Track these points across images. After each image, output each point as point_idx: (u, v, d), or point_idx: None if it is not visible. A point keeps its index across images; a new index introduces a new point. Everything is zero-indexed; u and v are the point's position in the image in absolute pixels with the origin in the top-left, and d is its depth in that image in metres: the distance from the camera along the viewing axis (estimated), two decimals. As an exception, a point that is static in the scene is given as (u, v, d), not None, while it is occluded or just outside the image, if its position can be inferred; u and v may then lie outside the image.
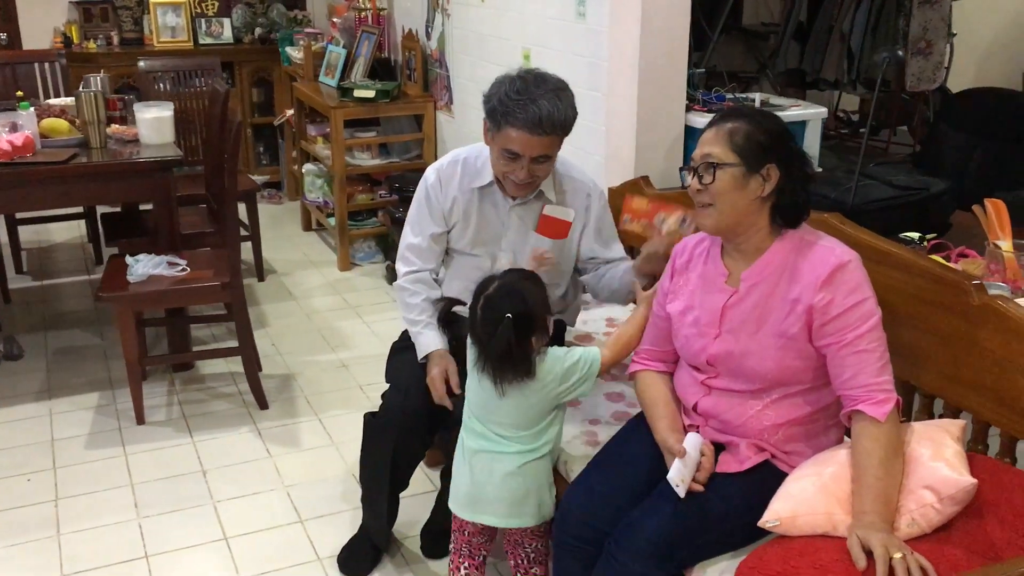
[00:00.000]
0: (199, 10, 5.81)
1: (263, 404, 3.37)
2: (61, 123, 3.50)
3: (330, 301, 4.37)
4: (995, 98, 4.34)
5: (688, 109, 3.29)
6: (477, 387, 2.03)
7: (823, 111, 3.65)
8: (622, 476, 1.92)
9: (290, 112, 5.43)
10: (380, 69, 4.94)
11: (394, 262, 2.57)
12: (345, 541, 2.57)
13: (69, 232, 5.27)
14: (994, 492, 1.68)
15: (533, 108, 2.12)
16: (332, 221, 4.81)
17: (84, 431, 3.22)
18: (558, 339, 2.44)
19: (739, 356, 1.83)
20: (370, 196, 4.78)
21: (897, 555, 1.52)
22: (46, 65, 4.60)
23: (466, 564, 2.16)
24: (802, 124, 3.52)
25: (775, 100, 3.78)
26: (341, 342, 3.93)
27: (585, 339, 2.66)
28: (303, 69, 5.24)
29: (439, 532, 2.49)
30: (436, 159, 2.82)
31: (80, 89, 3.56)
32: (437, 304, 2.32)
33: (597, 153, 3.31)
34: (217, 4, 5.85)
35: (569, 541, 1.90)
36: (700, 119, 3.20)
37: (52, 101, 4.06)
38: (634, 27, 3.04)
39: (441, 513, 2.48)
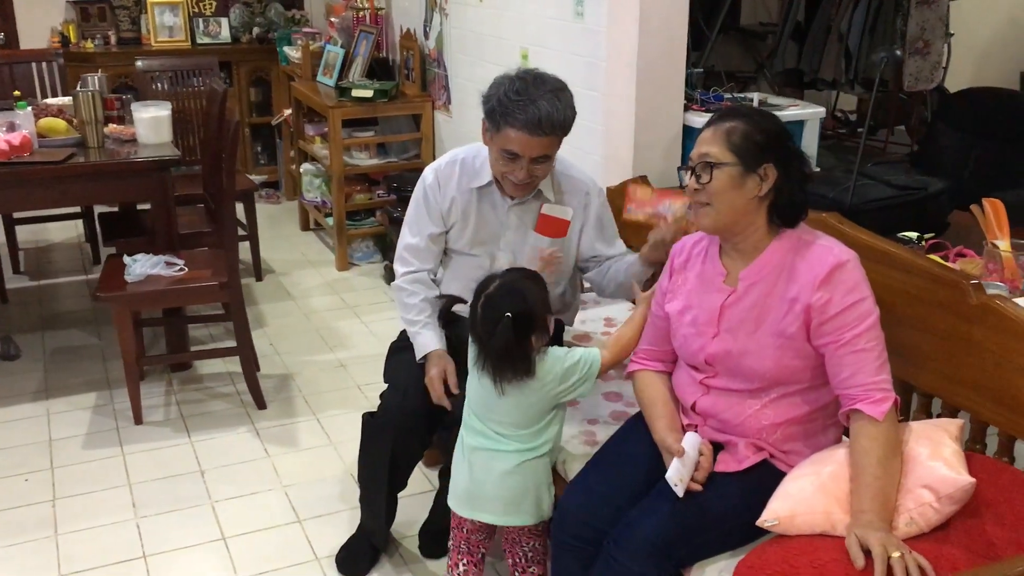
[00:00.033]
0: (197, 10, 5.81)
1: (261, 404, 3.37)
2: (59, 123, 3.50)
3: (328, 301, 4.37)
4: (993, 98, 4.34)
5: (686, 109, 3.29)
6: (477, 385, 2.03)
7: (821, 111, 3.66)
8: (621, 476, 1.92)
9: (288, 112, 5.42)
10: (378, 69, 4.93)
11: (392, 262, 2.57)
12: (343, 541, 2.56)
13: (66, 232, 5.27)
14: (992, 491, 1.69)
15: (533, 109, 2.12)
16: (330, 221, 4.81)
17: (82, 431, 3.21)
18: (556, 339, 2.44)
19: (737, 355, 1.83)
20: (368, 196, 4.78)
21: (895, 554, 1.52)
22: (43, 65, 4.60)
23: (464, 561, 2.16)
24: (800, 124, 3.52)
25: (773, 100, 3.79)
26: (339, 342, 3.92)
27: (583, 339, 2.66)
28: (301, 69, 5.24)
29: (437, 532, 2.49)
30: (434, 159, 2.83)
31: (78, 89, 3.55)
32: (438, 301, 2.32)
33: (595, 153, 3.31)
34: (215, 4, 5.84)
35: (568, 541, 1.90)
36: (698, 119, 3.20)
37: (50, 100, 4.05)
38: (632, 27, 3.04)
39: (439, 513, 2.48)
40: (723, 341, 1.85)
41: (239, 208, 4.12)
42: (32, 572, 2.52)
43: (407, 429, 2.30)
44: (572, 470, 2.08)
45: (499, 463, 2.02)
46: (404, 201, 3.80)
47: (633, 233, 2.47)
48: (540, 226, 2.37)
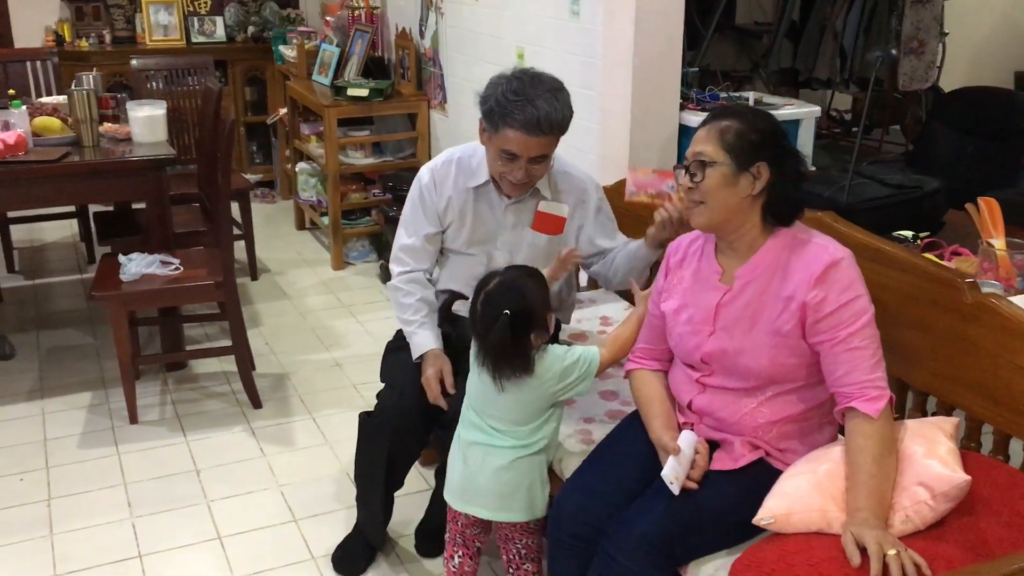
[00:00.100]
0: (191, 8, 5.80)
1: (257, 403, 3.36)
2: (53, 121, 3.49)
3: (324, 300, 4.37)
4: (988, 97, 4.36)
5: (682, 108, 3.29)
6: (477, 380, 2.04)
7: (816, 110, 3.66)
8: (617, 474, 1.92)
9: (283, 111, 5.41)
10: (373, 68, 4.93)
11: (388, 261, 2.57)
12: (339, 540, 2.56)
13: (61, 231, 5.26)
14: (987, 489, 1.69)
15: (531, 109, 2.12)
16: (325, 220, 4.80)
17: (77, 431, 3.21)
18: (553, 337, 2.44)
19: (733, 354, 1.83)
20: (364, 195, 4.78)
21: (891, 552, 1.53)
22: (38, 63, 4.59)
23: (460, 553, 2.17)
24: (795, 123, 3.53)
25: (768, 99, 3.80)
26: (335, 341, 3.92)
27: (579, 337, 2.66)
28: (296, 68, 5.23)
29: (434, 531, 2.48)
30: (430, 158, 2.83)
31: (72, 87, 3.55)
32: (440, 297, 2.33)
33: (592, 152, 3.31)
34: (210, 2, 5.83)
35: (564, 539, 1.90)
36: (694, 117, 3.21)
37: (44, 99, 4.04)
38: (628, 26, 3.05)
39: (436, 512, 2.48)
40: (719, 339, 1.85)
41: (234, 207, 4.12)
42: (28, 572, 2.51)
43: (404, 429, 2.30)
44: (568, 469, 2.08)
45: (494, 458, 2.02)
46: (400, 200, 3.80)
47: (640, 209, 2.39)
48: (536, 223, 2.37)
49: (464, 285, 2.31)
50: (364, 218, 4.82)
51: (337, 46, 5.01)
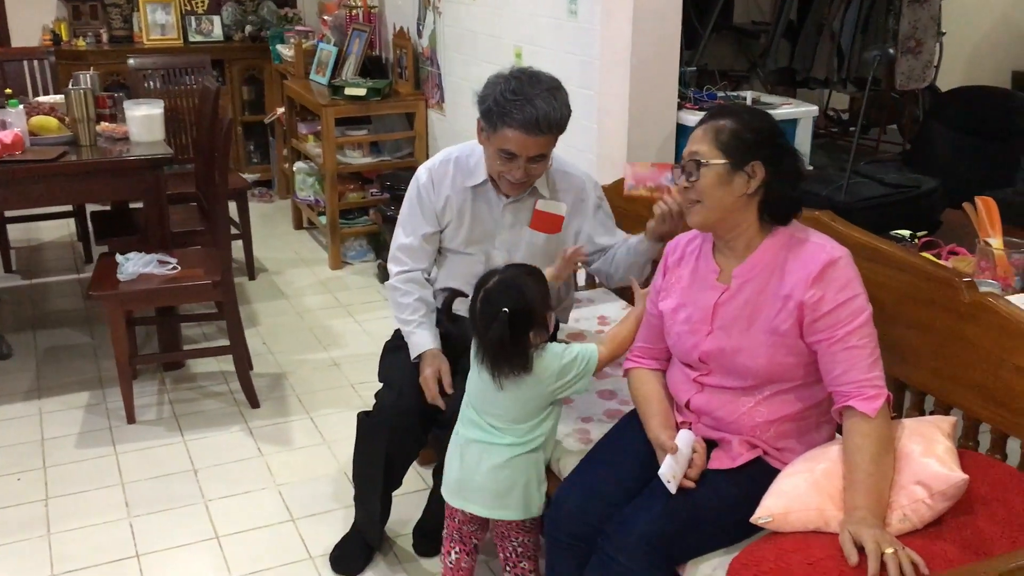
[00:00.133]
0: (189, 7, 5.79)
1: (254, 403, 3.36)
2: (50, 121, 3.48)
3: (321, 300, 4.37)
4: (985, 96, 4.36)
5: (680, 107, 3.30)
6: (477, 378, 2.04)
7: (814, 109, 3.67)
8: (615, 473, 1.92)
9: (281, 110, 5.41)
10: (371, 67, 4.93)
11: (386, 261, 2.57)
12: (337, 540, 2.56)
13: (58, 230, 5.25)
14: (985, 488, 1.69)
15: (530, 108, 2.12)
16: (323, 219, 4.80)
17: (74, 430, 3.20)
18: (551, 336, 2.44)
19: (731, 353, 1.83)
20: (361, 194, 4.77)
21: (889, 550, 1.53)
22: (35, 63, 4.59)
23: (457, 549, 2.17)
24: (793, 122, 3.53)
25: (766, 98, 3.80)
26: (332, 341, 3.92)
27: (577, 337, 2.66)
28: (294, 67, 5.23)
29: (431, 530, 2.48)
30: (427, 157, 2.82)
31: (70, 87, 3.54)
32: (439, 295, 2.33)
33: (589, 151, 3.31)
34: (207, 1, 5.83)
35: (562, 538, 1.90)
36: (692, 117, 3.21)
37: (41, 99, 4.04)
38: (626, 25, 3.05)
39: (434, 511, 2.48)
40: (717, 339, 1.85)
41: (232, 207, 4.12)
42: (25, 571, 2.51)
43: (402, 428, 2.30)
44: (566, 468, 2.08)
45: (491, 456, 2.02)
46: (397, 200, 3.80)
47: (639, 202, 2.38)
48: (534, 222, 2.37)
49: (462, 284, 2.32)
50: (362, 218, 4.82)
51: (335, 45, 5.01)
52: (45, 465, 3.00)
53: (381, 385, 2.42)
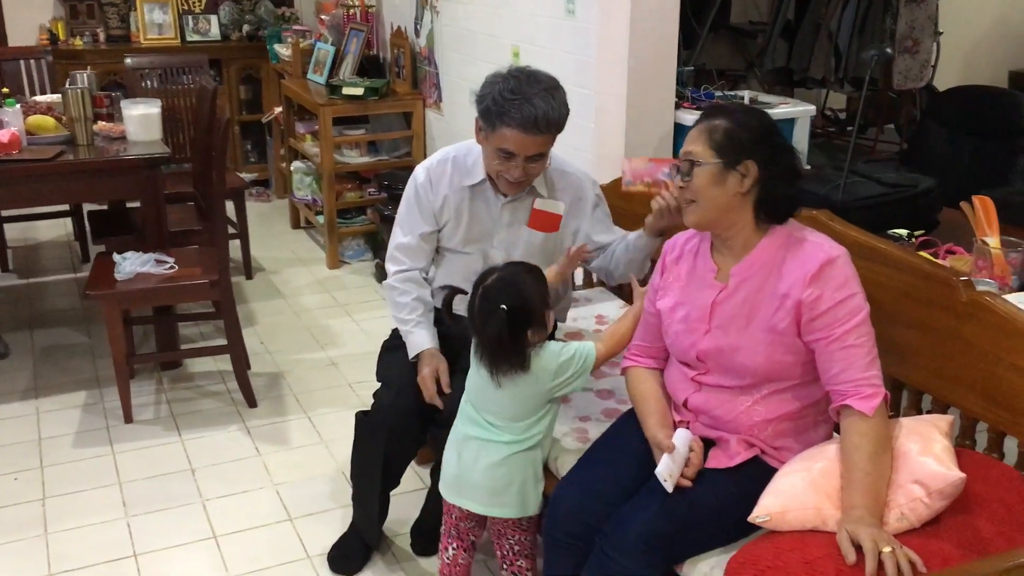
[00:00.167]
0: (186, 7, 5.79)
1: (252, 402, 3.36)
2: (47, 120, 3.48)
3: (319, 299, 4.36)
4: (982, 96, 4.37)
5: (677, 107, 3.30)
6: (476, 375, 2.05)
7: (811, 109, 3.67)
8: (612, 472, 1.92)
9: (278, 109, 5.41)
10: (369, 66, 4.93)
11: (383, 260, 2.56)
12: (335, 539, 2.56)
13: (55, 230, 5.24)
14: (982, 487, 1.70)
15: (528, 108, 2.12)
16: (321, 219, 4.80)
17: (71, 430, 3.20)
18: (550, 335, 2.45)
19: (729, 352, 1.83)
20: (359, 194, 4.77)
21: (886, 549, 1.53)
22: (32, 62, 4.58)
23: (454, 545, 2.18)
24: (790, 122, 3.54)
25: (764, 98, 3.81)
26: (330, 340, 3.92)
27: (575, 336, 2.66)
28: (291, 66, 5.22)
29: (429, 529, 2.48)
30: (425, 157, 2.82)
31: (67, 86, 3.54)
32: (439, 293, 2.33)
33: (587, 150, 3.31)
34: (204, 1, 5.82)
35: (560, 537, 1.90)
36: (689, 116, 3.21)
37: (38, 98, 4.03)
38: (623, 25, 3.05)
39: (431, 511, 2.48)
40: (714, 337, 1.86)
41: (229, 206, 4.12)
42: (22, 571, 2.51)
43: (400, 428, 2.30)
44: (564, 467, 2.08)
45: (488, 453, 2.03)
46: (395, 199, 3.79)
47: (637, 198, 2.36)
48: (532, 221, 2.37)
49: (460, 284, 2.30)
50: (359, 217, 4.82)
51: (332, 45, 5.01)
52: (42, 464, 2.99)
53: (379, 384, 2.42)
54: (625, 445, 1.97)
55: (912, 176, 3.78)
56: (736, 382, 1.85)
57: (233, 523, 2.71)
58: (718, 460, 1.85)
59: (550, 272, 2.20)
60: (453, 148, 2.44)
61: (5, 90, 3.88)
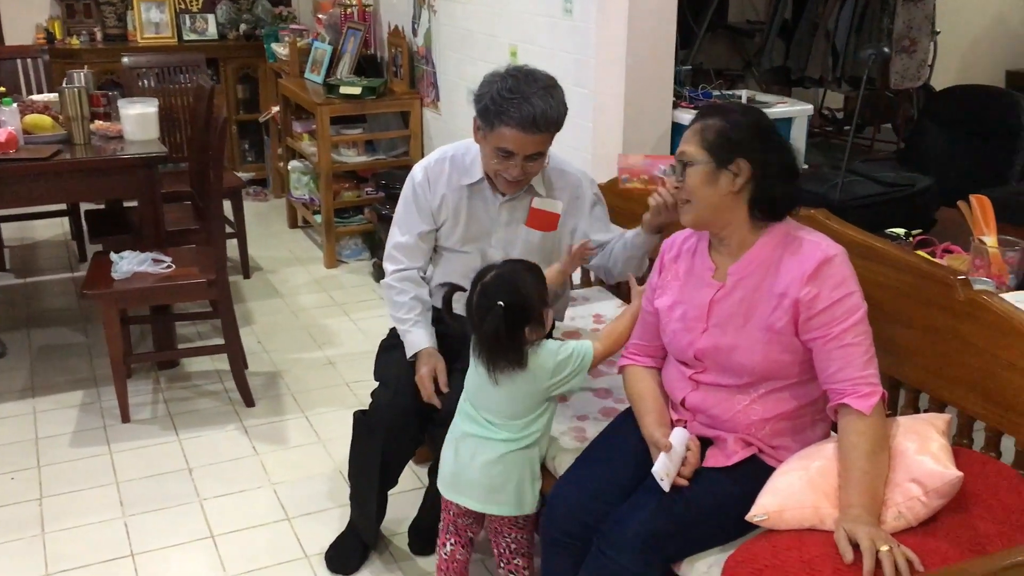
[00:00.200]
0: (183, 6, 5.78)
1: (249, 402, 3.35)
2: (44, 119, 3.47)
3: (316, 298, 4.36)
4: (979, 95, 4.37)
5: (675, 106, 3.30)
6: (474, 372, 2.05)
7: (809, 108, 3.68)
8: (610, 471, 1.92)
9: (275, 109, 5.40)
10: (366, 66, 4.92)
11: (381, 259, 2.56)
12: (333, 538, 2.56)
13: (52, 229, 5.24)
14: (979, 485, 1.70)
15: (527, 107, 2.12)
16: (318, 218, 4.80)
17: (69, 429, 3.19)
18: (547, 334, 2.45)
19: (727, 350, 1.84)
20: (356, 193, 4.77)
21: (884, 548, 1.53)
22: (28, 61, 4.57)
23: (452, 541, 2.18)
24: (788, 121, 3.54)
25: (761, 97, 3.81)
26: (328, 339, 3.92)
27: (573, 335, 2.66)
28: (289, 65, 5.22)
29: (427, 529, 2.48)
30: (423, 156, 2.82)
31: (63, 85, 3.53)
32: (438, 291, 2.33)
33: (585, 150, 3.31)
34: (201, 0, 5.81)
35: (558, 537, 1.91)
36: (687, 116, 3.21)
37: (35, 97, 4.03)
38: (621, 24, 3.05)
39: (429, 510, 2.48)
40: (712, 336, 1.86)
41: (227, 205, 4.11)
42: (19, 571, 2.50)
43: (398, 427, 2.30)
44: (562, 466, 2.08)
45: (485, 451, 2.03)
46: (393, 198, 3.80)
47: (633, 195, 2.37)
48: (530, 220, 2.37)
49: (458, 283, 2.31)
50: (357, 216, 4.82)
51: (329, 44, 5.00)
52: (39, 464, 2.99)
53: (377, 384, 2.42)
54: (623, 444, 1.97)
55: (909, 175, 3.78)
56: (734, 381, 1.85)
57: (230, 522, 2.70)
58: (716, 459, 1.85)
59: (552, 271, 2.20)
60: (451, 147, 2.44)
61: (2, 89, 3.87)
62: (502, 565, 2.15)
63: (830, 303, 1.74)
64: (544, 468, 2.14)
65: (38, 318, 4.10)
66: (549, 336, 2.07)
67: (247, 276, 4.57)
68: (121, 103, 3.59)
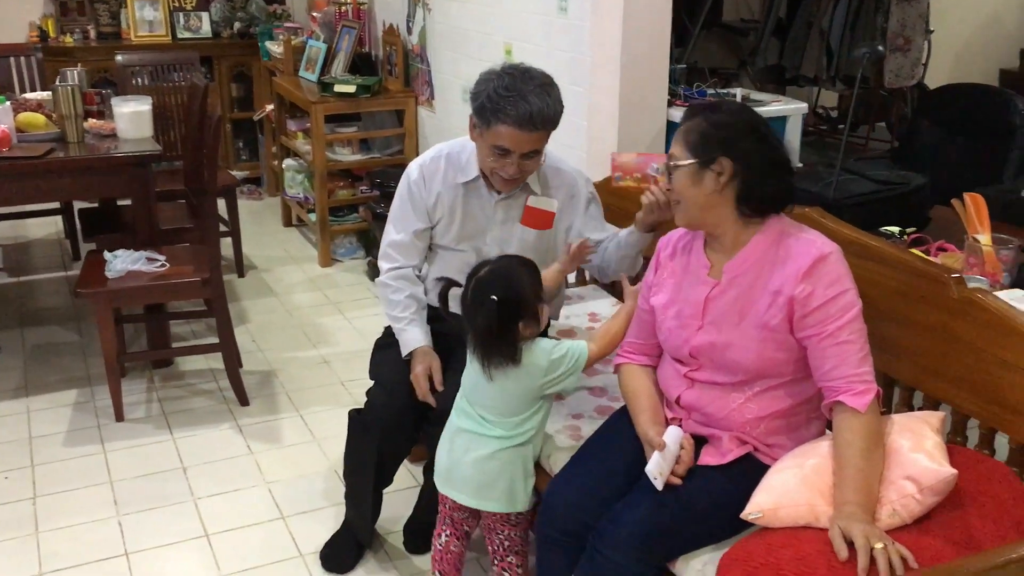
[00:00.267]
0: (177, 4, 5.76)
1: (244, 400, 3.35)
2: (38, 117, 3.46)
3: (311, 297, 4.35)
4: (973, 94, 4.38)
5: (670, 104, 3.30)
6: (470, 368, 2.05)
7: (803, 106, 3.68)
8: (605, 469, 1.92)
9: (270, 107, 5.39)
10: (361, 64, 4.91)
11: (376, 258, 2.56)
12: (327, 537, 2.56)
13: (46, 228, 5.22)
14: (973, 483, 1.70)
15: (523, 105, 2.12)
16: (313, 217, 4.79)
17: (62, 428, 3.19)
18: (542, 333, 2.45)
19: (721, 348, 1.84)
20: (351, 192, 4.76)
21: (878, 545, 1.53)
22: (22, 59, 4.56)
23: (447, 532, 2.19)
24: (782, 120, 3.55)
25: (756, 96, 3.81)
26: (322, 338, 3.91)
27: (568, 334, 2.66)
28: (283, 64, 5.21)
29: (422, 528, 2.48)
30: (417, 154, 2.81)
31: (57, 83, 3.52)
32: (436, 284, 2.32)
33: (580, 148, 3.31)
34: (195, -2, 5.81)
35: (553, 535, 1.91)
36: (681, 114, 3.21)
37: (28, 95, 4.01)
38: (616, 22, 3.05)
39: (424, 509, 2.48)
40: (707, 333, 1.86)
41: (221, 204, 4.10)
42: (13, 570, 2.49)
43: (393, 426, 2.30)
44: (556, 464, 2.08)
45: (478, 447, 2.03)
46: (388, 197, 3.79)
47: (627, 193, 2.40)
48: (526, 218, 2.37)
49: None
50: (351, 215, 4.81)
51: (324, 42, 4.99)
52: (33, 463, 2.98)
53: (372, 383, 2.41)
54: (618, 442, 1.98)
55: (904, 174, 3.79)
56: (728, 379, 1.85)
57: (225, 521, 2.70)
58: (711, 457, 1.85)
59: (551, 270, 2.20)
60: (447, 145, 2.44)
61: (-5, 87, 3.87)
62: (496, 562, 2.15)
63: (825, 301, 1.74)
64: (539, 466, 2.14)
65: (31, 317, 4.09)
66: (544, 335, 2.07)
67: (241, 275, 4.56)
68: (115, 101, 3.58)
